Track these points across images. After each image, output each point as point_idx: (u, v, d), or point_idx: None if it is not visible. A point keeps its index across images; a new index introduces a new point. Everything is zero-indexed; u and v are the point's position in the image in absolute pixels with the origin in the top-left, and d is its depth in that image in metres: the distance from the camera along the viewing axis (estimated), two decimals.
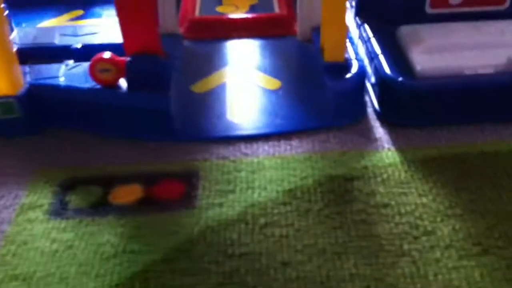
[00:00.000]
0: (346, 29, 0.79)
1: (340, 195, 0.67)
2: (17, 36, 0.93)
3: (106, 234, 0.62)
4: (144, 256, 0.60)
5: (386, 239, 0.61)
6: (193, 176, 0.70)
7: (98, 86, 0.78)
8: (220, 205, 0.66)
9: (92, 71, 0.77)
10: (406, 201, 0.66)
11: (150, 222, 0.64)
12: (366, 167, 0.71)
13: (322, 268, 0.58)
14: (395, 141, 0.75)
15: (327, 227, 0.63)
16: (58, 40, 0.91)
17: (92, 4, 1.09)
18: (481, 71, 0.77)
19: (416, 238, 0.61)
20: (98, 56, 0.77)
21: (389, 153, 0.73)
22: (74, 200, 0.67)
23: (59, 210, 0.66)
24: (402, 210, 0.64)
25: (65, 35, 0.92)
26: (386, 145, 0.75)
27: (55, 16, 1.08)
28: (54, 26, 0.99)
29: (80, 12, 1.08)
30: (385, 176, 0.69)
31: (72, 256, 0.60)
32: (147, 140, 0.76)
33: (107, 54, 0.78)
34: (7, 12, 0.92)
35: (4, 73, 0.74)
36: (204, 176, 0.70)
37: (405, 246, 0.60)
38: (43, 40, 0.91)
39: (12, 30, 0.93)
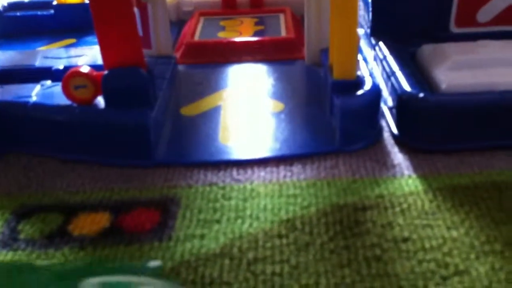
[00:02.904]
0: (357, 41, 0.68)
1: (349, 227, 0.54)
2: None
3: None
4: None
5: (406, 279, 0.47)
6: (172, 204, 0.58)
7: (71, 104, 0.68)
8: (201, 237, 0.54)
9: (65, 87, 0.68)
10: (431, 235, 0.52)
11: (113, 256, 0.52)
12: (381, 196, 0.58)
13: None
14: (417, 168, 0.63)
15: (332, 264, 0.50)
16: (39, 62, 0.83)
17: (85, 33, 1.02)
18: None
19: (445, 278, 0.47)
20: (72, 70, 0.68)
21: (410, 181, 0.61)
22: (27, 229, 0.56)
23: (7, 240, 0.54)
24: (427, 245, 0.51)
25: (47, 57, 0.84)
26: (406, 172, 0.62)
27: (46, 44, 1.00)
28: (38, 50, 0.91)
29: (72, 40, 1.01)
30: (405, 206, 0.57)
31: None
32: (122, 166, 0.65)
33: (83, 68, 0.68)
34: None
35: None
36: (186, 205, 0.58)
37: None
38: (23, 62, 0.83)
39: None
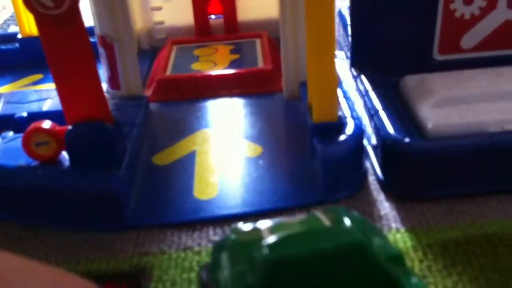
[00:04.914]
0: (336, 81, 0.64)
1: None
2: None
3: None
4: None
5: None
6: (143, 276, 0.54)
7: (34, 163, 0.63)
8: None
9: (26, 145, 0.63)
10: None
11: None
12: None
13: None
14: (405, 219, 0.59)
15: None
16: (1, 109, 0.78)
17: None
18: (509, 127, 0.62)
19: None
20: (33, 126, 0.63)
21: (398, 236, 0.57)
22: None
23: None
24: None
25: (10, 102, 0.79)
26: (394, 225, 0.58)
27: (11, 81, 0.95)
28: (1, 93, 0.86)
29: (39, 76, 0.95)
30: None
31: None
32: (89, 230, 0.60)
33: (45, 124, 0.64)
34: None
35: None
36: (158, 276, 0.54)
37: None
38: None
39: None
